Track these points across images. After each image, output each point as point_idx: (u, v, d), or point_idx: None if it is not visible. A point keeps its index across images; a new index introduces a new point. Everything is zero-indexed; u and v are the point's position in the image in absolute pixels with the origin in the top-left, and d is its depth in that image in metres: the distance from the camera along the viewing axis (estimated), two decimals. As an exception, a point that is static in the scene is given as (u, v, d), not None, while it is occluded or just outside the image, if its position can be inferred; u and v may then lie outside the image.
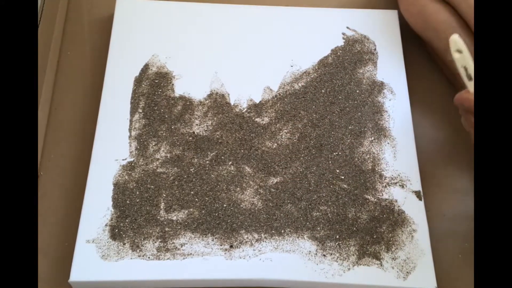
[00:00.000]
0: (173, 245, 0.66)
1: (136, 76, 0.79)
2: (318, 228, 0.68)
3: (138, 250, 0.65)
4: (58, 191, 0.72)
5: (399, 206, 0.71)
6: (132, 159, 0.72)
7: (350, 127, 0.76)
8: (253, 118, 0.76)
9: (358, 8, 0.87)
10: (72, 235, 0.66)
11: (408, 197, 0.71)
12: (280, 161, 0.73)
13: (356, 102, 0.78)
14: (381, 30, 0.86)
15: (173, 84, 0.78)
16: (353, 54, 0.83)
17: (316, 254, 0.67)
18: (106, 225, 0.67)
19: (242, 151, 0.73)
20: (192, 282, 0.65)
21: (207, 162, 0.72)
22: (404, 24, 0.85)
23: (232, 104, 0.77)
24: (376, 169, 0.73)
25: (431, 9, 0.80)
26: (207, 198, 0.69)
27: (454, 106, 0.83)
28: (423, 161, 0.77)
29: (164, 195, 0.69)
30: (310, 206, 0.70)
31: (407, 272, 0.66)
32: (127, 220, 0.67)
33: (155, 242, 0.66)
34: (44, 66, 0.79)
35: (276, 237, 0.67)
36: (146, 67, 0.80)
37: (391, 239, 0.68)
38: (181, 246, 0.66)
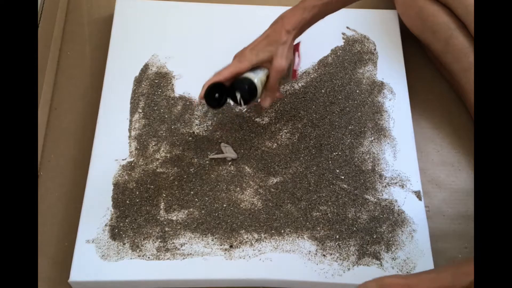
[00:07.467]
0: (173, 245, 0.66)
1: (136, 76, 0.79)
2: (318, 228, 0.68)
3: (138, 250, 0.65)
4: (58, 191, 0.72)
5: (399, 206, 0.71)
6: (132, 159, 0.72)
7: (350, 127, 0.76)
8: (253, 118, 0.76)
9: (358, 8, 0.87)
10: (72, 235, 0.66)
11: (408, 197, 0.71)
12: (280, 161, 0.73)
13: (356, 102, 0.78)
14: (381, 30, 0.86)
15: (173, 84, 0.78)
16: (353, 54, 0.83)
17: (316, 254, 0.67)
18: (106, 225, 0.67)
19: (242, 151, 0.73)
20: (192, 282, 0.65)
21: (207, 162, 0.72)
22: (404, 24, 0.85)
23: (232, 104, 0.77)
24: (376, 169, 0.73)
25: (428, 11, 0.80)
26: (207, 198, 0.69)
27: (454, 106, 0.84)
28: (423, 161, 0.77)
29: (164, 195, 0.69)
30: (310, 206, 0.70)
31: (407, 272, 0.66)
32: (127, 220, 0.67)
33: (155, 242, 0.66)
34: (44, 66, 0.79)
35: (276, 237, 0.67)
36: (146, 67, 0.80)
37: (391, 239, 0.68)
38: (181, 246, 0.66)
